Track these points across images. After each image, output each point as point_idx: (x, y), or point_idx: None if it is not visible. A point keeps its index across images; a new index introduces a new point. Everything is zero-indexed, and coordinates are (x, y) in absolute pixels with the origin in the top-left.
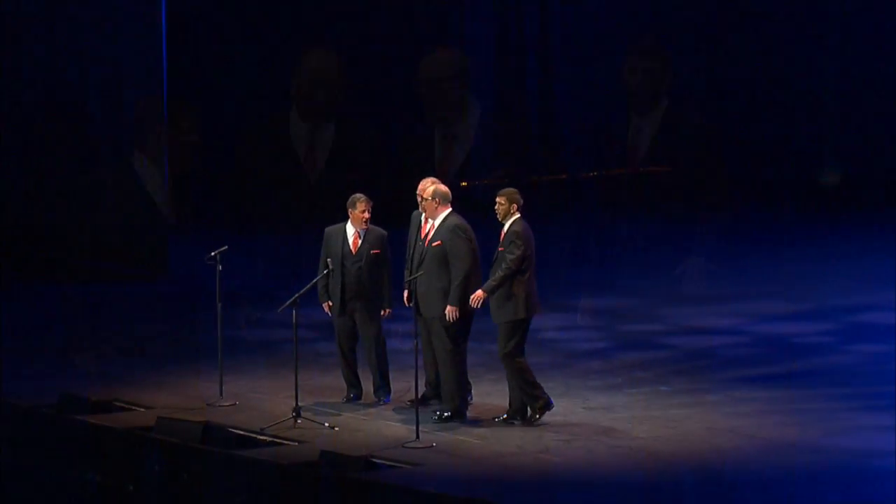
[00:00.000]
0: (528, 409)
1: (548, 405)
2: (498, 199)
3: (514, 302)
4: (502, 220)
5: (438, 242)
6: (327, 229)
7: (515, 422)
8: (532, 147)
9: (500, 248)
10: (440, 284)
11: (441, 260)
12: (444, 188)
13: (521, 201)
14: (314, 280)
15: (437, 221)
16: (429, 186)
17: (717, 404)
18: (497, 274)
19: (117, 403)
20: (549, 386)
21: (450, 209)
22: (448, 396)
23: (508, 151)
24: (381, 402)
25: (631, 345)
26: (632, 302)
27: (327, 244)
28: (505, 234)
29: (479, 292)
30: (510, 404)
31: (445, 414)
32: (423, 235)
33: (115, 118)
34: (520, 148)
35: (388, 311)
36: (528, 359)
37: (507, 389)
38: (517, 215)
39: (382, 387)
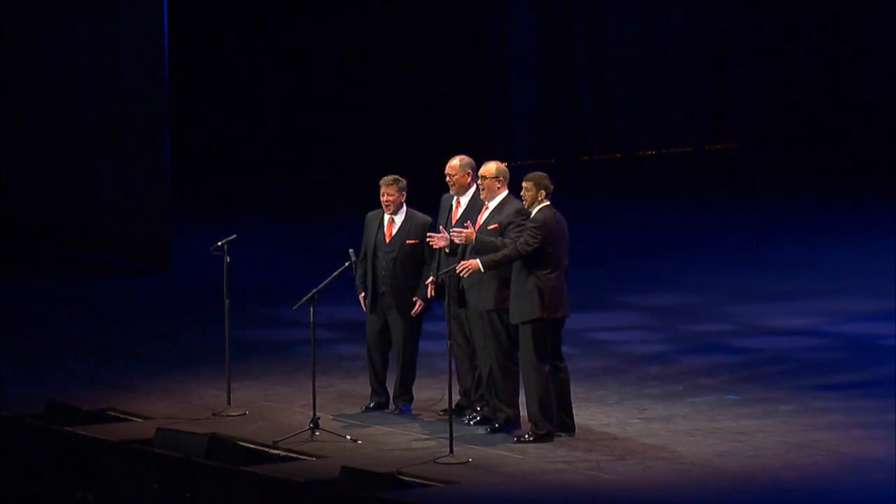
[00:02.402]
0: (532, 425)
1: (549, 437)
2: (524, 185)
3: (528, 299)
4: (529, 207)
5: (496, 226)
6: (368, 214)
7: (567, 436)
8: (582, 124)
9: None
10: (496, 271)
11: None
12: (504, 167)
13: (551, 187)
14: (335, 273)
15: (494, 203)
16: (489, 165)
17: (792, 415)
18: (501, 251)
19: (112, 413)
20: (601, 394)
21: (507, 191)
22: (503, 404)
23: (555, 129)
24: (398, 412)
25: (694, 347)
26: (696, 298)
27: (366, 231)
28: (528, 220)
29: (474, 262)
30: (529, 418)
31: (496, 425)
32: (454, 219)
33: (112, 99)
34: (568, 125)
35: (419, 304)
36: (578, 363)
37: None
38: (546, 203)
39: (402, 395)
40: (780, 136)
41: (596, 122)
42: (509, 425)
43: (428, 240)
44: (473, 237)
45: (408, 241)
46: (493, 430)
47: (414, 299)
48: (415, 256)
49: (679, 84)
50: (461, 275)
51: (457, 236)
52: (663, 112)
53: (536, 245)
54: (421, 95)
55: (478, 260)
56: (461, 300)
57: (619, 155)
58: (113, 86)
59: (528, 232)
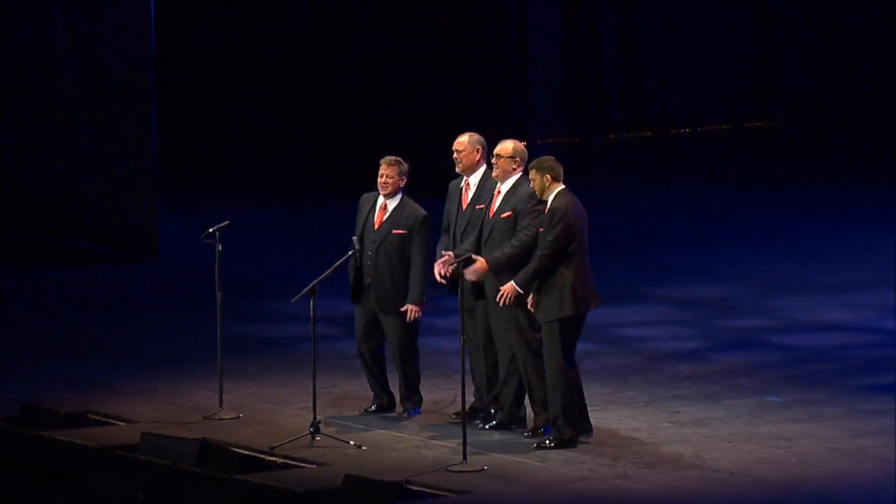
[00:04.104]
0: (554, 430)
1: (572, 442)
2: (530, 175)
3: (559, 296)
4: (541, 196)
5: (510, 213)
6: (363, 196)
7: (585, 438)
8: (609, 99)
9: (540, 229)
10: (515, 268)
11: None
12: (522, 147)
13: (559, 168)
14: (337, 263)
15: (507, 186)
16: (506, 143)
17: (839, 418)
18: (530, 265)
19: (93, 416)
20: (629, 395)
21: (521, 173)
22: (538, 407)
23: (579, 105)
24: (406, 416)
25: (731, 344)
26: (733, 290)
27: (358, 214)
28: (546, 212)
29: (510, 286)
30: (550, 420)
31: (540, 431)
32: (464, 203)
33: (95, 80)
34: (594, 100)
35: (412, 309)
36: (603, 361)
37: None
38: (560, 187)
39: (409, 398)
40: (824, 114)
41: (624, 97)
42: (548, 426)
43: (437, 272)
44: (486, 266)
45: (394, 231)
46: (533, 434)
47: (404, 308)
48: (400, 249)
49: (715, 55)
50: (502, 304)
51: (471, 275)
52: (698, 86)
53: (561, 232)
54: (431, 69)
55: (512, 283)
56: (477, 292)
57: (649, 133)
58: (96, 68)
59: (553, 225)
